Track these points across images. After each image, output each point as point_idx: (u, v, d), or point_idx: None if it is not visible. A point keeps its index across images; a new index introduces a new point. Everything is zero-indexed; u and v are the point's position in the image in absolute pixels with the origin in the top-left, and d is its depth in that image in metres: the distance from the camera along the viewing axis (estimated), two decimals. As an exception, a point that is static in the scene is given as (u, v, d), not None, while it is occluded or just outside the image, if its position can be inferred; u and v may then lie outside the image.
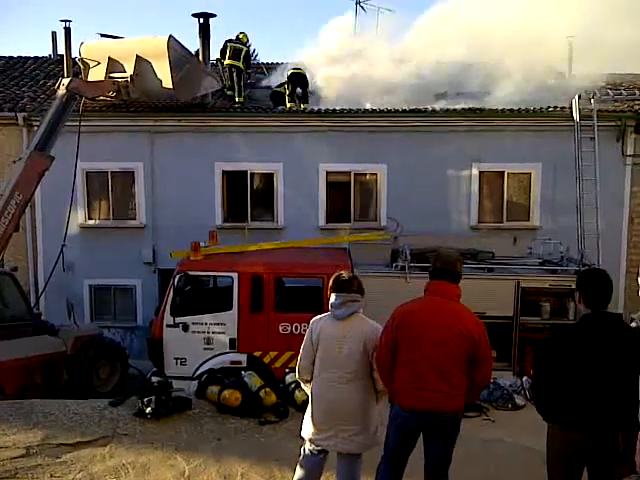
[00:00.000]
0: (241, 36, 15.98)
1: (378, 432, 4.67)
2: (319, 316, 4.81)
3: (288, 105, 15.02)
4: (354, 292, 4.65)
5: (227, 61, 15.57)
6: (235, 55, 15.46)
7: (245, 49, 15.78)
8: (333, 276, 4.77)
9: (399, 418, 4.45)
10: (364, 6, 19.96)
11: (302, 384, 5.01)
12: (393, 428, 4.51)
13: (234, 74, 15.52)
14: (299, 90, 15.18)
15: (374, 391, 4.67)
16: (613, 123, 14.37)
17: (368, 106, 15.01)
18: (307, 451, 4.77)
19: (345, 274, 4.78)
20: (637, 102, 14.44)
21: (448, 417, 4.35)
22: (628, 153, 14.51)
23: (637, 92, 14.34)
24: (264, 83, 17.00)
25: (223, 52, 15.79)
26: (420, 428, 4.40)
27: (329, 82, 15.53)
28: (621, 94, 14.38)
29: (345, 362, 4.55)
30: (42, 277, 14.62)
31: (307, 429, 4.75)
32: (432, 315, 4.38)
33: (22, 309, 10.62)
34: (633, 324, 4.97)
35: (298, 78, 15.07)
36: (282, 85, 15.58)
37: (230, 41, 15.79)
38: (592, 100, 13.28)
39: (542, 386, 4.14)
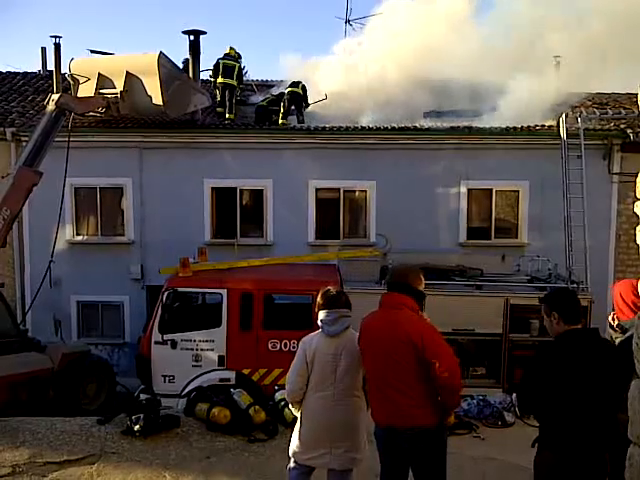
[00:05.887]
0: (229, 50, 15.86)
1: (367, 446, 4.68)
2: (310, 335, 4.73)
3: (280, 122, 15.05)
4: (344, 307, 4.64)
5: (220, 79, 15.56)
6: (227, 72, 15.47)
7: (237, 65, 15.75)
8: (320, 292, 4.73)
9: (380, 438, 4.45)
10: (353, 25, 20.08)
11: (291, 405, 4.84)
12: (380, 448, 4.51)
13: (226, 91, 15.49)
14: (293, 108, 15.22)
15: (365, 405, 4.66)
16: (600, 141, 14.47)
17: (359, 124, 15.09)
18: (294, 470, 4.73)
19: (332, 289, 4.75)
20: (623, 121, 14.61)
21: (422, 430, 4.21)
22: (614, 171, 14.61)
23: (623, 111, 14.56)
24: (254, 100, 17.05)
25: (216, 70, 15.79)
26: (401, 443, 4.30)
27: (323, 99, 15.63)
28: (607, 113, 14.59)
29: (341, 379, 4.52)
30: (29, 293, 14.47)
31: (297, 448, 4.68)
32: (379, 328, 4.38)
33: (8, 325, 10.50)
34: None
35: (295, 97, 15.09)
36: (267, 99, 15.67)
37: (222, 58, 15.81)
38: (579, 119, 13.45)
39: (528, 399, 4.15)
